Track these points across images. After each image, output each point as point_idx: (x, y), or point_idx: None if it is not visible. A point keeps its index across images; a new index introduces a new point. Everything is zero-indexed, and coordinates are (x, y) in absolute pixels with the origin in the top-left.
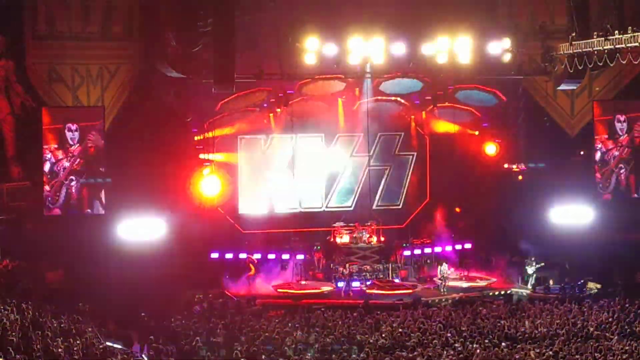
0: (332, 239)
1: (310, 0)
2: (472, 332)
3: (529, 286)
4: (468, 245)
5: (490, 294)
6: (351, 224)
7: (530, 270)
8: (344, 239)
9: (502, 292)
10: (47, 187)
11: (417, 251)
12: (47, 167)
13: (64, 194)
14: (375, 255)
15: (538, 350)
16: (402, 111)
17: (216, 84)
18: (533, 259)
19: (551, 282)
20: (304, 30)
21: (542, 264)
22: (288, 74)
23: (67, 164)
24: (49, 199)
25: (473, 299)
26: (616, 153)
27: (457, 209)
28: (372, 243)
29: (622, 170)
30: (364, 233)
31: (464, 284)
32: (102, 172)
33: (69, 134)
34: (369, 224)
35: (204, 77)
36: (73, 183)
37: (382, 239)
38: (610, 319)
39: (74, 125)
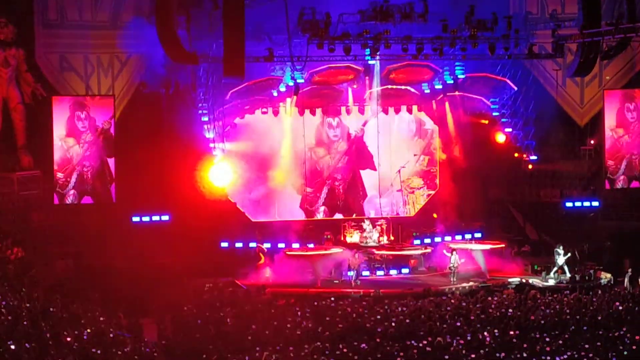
0: (341, 238)
1: None
2: (482, 321)
3: (552, 274)
4: (478, 235)
5: (501, 283)
6: (361, 223)
7: (560, 261)
8: (353, 237)
9: (512, 281)
10: (58, 175)
11: (427, 240)
12: (57, 155)
13: (75, 183)
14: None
15: (548, 340)
16: (413, 100)
17: (226, 72)
18: (561, 249)
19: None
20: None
21: (569, 254)
22: (298, 58)
23: (78, 152)
24: (59, 187)
25: (483, 288)
26: (628, 140)
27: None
28: (381, 243)
29: (633, 157)
30: (373, 232)
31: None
32: (113, 161)
33: (79, 123)
34: (379, 223)
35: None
36: (84, 170)
37: (392, 237)
38: (620, 308)
39: (83, 113)
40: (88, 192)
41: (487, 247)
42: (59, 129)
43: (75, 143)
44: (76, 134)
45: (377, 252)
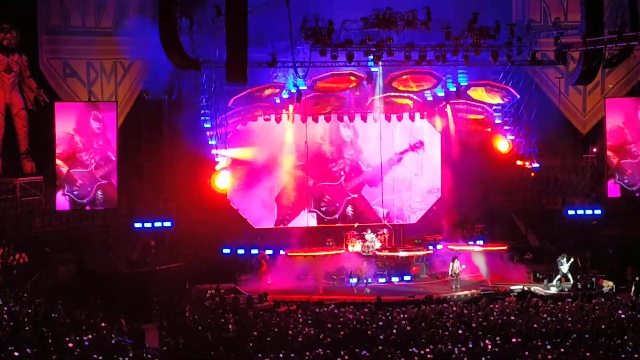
0: (343, 247)
1: None
2: (484, 329)
3: (555, 283)
4: (480, 242)
5: (503, 290)
6: (364, 232)
7: (564, 269)
8: (355, 246)
9: (515, 289)
10: (60, 181)
11: (429, 247)
12: (59, 161)
13: (77, 189)
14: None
15: (550, 347)
16: (415, 108)
17: (229, 79)
18: (564, 259)
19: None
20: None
21: (572, 260)
22: (301, 64)
23: (82, 158)
24: (62, 193)
25: (485, 295)
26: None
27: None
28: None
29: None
30: (375, 241)
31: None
32: (115, 167)
33: (81, 128)
34: (381, 232)
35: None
36: (86, 176)
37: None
38: (623, 316)
39: (85, 118)
40: (90, 197)
41: (489, 249)
42: (60, 131)
43: (77, 148)
44: (79, 134)
45: (379, 253)
